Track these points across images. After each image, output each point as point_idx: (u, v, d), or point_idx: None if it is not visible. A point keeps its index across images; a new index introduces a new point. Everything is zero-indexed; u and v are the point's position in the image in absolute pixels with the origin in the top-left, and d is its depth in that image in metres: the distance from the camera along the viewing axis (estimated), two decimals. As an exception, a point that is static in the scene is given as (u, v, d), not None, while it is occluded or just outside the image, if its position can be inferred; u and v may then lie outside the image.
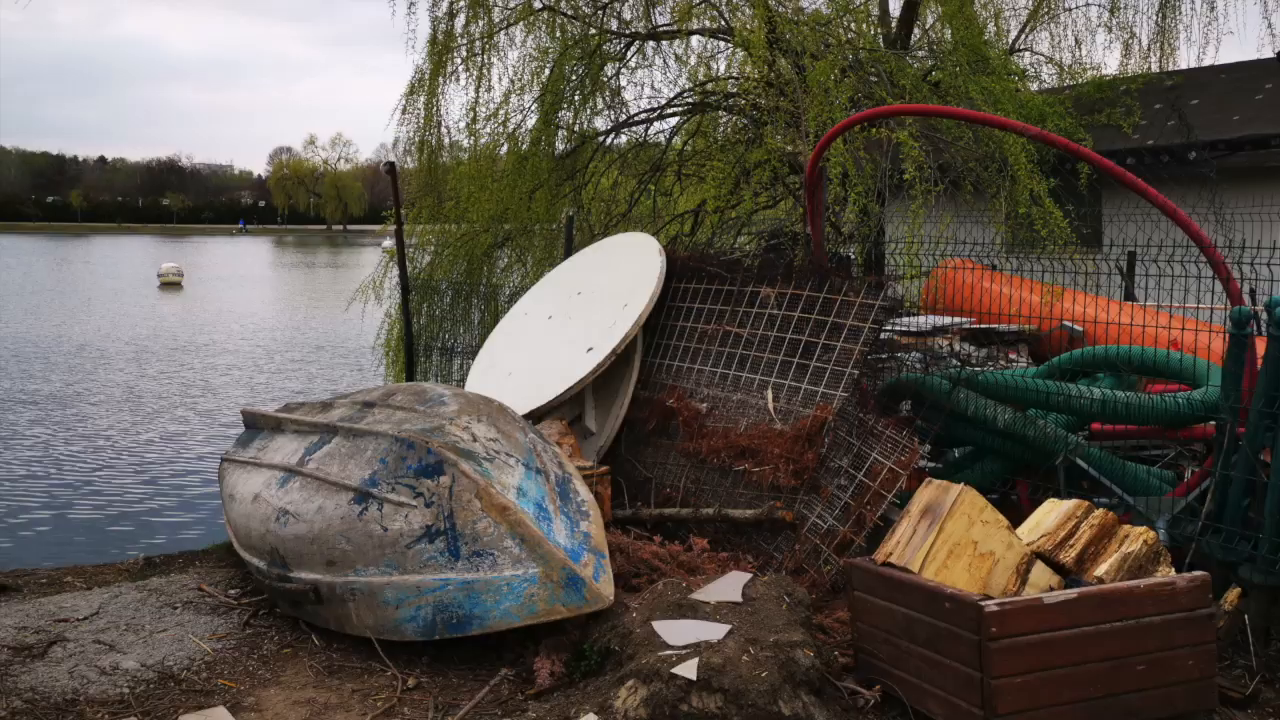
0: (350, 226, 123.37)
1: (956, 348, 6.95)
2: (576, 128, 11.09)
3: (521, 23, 10.97)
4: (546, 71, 10.76)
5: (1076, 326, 7.16)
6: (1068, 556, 4.12)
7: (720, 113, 11.53)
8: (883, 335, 6.28)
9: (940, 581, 3.92)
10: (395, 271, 10.52)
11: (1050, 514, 4.32)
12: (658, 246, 7.14)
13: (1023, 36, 12.37)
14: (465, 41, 10.91)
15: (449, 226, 11.52)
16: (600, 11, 10.98)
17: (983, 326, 7.28)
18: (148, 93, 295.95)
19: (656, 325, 6.90)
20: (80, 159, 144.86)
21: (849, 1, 10.99)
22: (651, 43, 11.21)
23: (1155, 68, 11.82)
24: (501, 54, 11.06)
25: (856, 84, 9.13)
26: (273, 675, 4.62)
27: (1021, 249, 8.68)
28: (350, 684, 4.52)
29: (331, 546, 4.83)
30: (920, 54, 11.23)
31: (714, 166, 10.63)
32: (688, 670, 3.86)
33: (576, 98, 10.90)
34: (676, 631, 4.15)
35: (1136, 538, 4.15)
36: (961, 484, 4.18)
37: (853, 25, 10.66)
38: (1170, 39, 11.62)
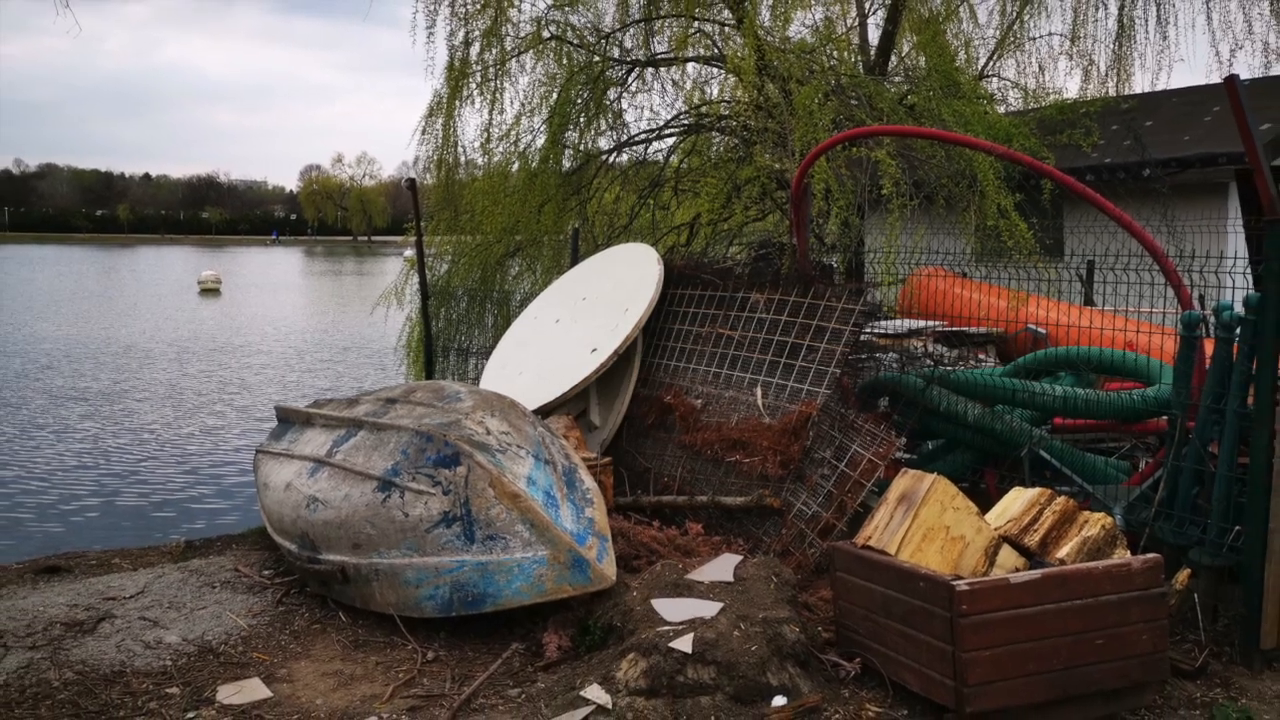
0: (374, 237, 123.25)
1: (930, 349, 6.94)
2: (582, 147, 11.09)
3: (531, 51, 10.96)
4: (554, 96, 10.76)
5: (1040, 329, 7.16)
6: (1032, 540, 4.12)
7: (713, 133, 11.53)
8: (862, 337, 6.28)
9: (915, 563, 3.92)
10: (416, 279, 10.51)
11: (1016, 501, 4.32)
12: (656, 256, 7.14)
13: (991, 63, 12.36)
14: (479, 68, 10.91)
15: (465, 237, 11.52)
16: (603, 41, 10.97)
17: (954, 329, 7.29)
18: (188, 114, 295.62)
19: (655, 328, 6.90)
20: (126, 175, 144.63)
21: (831, 31, 11.00)
22: (651, 69, 11.22)
23: (1112, 92, 11.82)
24: (513, 79, 11.07)
25: (838, 107, 9.13)
26: (303, 649, 4.62)
27: (990, 258, 8.67)
28: (374, 657, 4.52)
29: (357, 531, 4.83)
30: (897, 79, 11.22)
31: (708, 183, 10.63)
32: (684, 644, 3.86)
33: (582, 120, 10.89)
34: (673, 609, 4.15)
35: (1095, 523, 4.15)
36: (935, 474, 4.18)
37: (835, 53, 10.65)
38: (1126, 66, 11.62)
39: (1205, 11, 11.11)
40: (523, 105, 11.01)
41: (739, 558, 4.68)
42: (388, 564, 4.71)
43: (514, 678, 4.26)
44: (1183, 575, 4.56)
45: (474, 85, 10.93)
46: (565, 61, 10.90)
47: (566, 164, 10.98)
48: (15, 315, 34.35)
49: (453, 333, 10.99)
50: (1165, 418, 5.33)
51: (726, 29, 10.80)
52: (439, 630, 4.70)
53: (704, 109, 11.61)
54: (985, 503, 4.57)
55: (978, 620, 3.62)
